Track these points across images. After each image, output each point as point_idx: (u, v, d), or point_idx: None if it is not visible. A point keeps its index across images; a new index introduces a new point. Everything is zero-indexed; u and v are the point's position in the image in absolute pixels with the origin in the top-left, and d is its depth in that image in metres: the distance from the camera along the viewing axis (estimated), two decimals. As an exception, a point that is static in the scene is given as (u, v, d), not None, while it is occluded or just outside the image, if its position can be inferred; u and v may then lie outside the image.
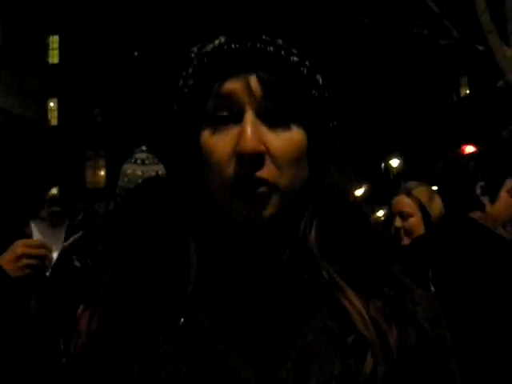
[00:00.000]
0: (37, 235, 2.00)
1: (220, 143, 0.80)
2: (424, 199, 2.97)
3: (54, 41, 33.60)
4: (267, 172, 0.78)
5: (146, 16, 30.45)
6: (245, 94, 0.79)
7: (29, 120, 2.12)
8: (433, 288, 2.13)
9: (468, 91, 28.59)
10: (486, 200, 2.21)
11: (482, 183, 2.20)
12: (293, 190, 0.81)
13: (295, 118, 0.81)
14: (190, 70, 0.84)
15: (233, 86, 0.79)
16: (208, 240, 0.84)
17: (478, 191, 2.21)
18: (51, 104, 33.27)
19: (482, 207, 2.21)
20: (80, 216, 4.09)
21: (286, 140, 0.80)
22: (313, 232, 0.84)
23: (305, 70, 0.81)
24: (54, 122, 32.67)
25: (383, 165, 32.46)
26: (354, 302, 0.80)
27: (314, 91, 0.83)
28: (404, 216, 2.98)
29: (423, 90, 28.67)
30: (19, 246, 1.78)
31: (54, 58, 33.81)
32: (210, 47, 0.82)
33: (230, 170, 0.78)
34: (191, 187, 0.87)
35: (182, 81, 0.86)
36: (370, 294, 0.82)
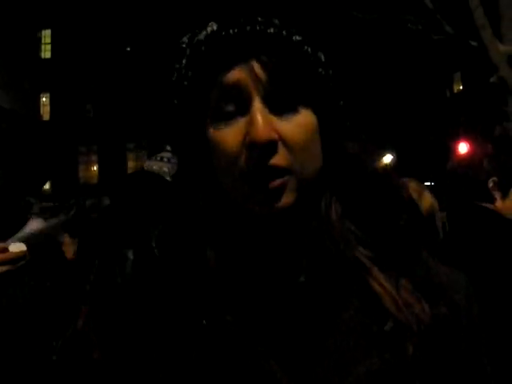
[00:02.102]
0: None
1: (229, 135, 0.77)
2: (415, 195, 3.05)
3: (46, 35, 33.44)
4: (281, 159, 0.75)
5: (139, 11, 30.35)
6: (250, 82, 0.75)
7: (20, 114, 2.11)
8: None
9: (461, 87, 28.66)
10: (497, 195, 2.26)
11: (494, 178, 2.24)
12: (309, 174, 0.78)
13: (303, 100, 0.78)
14: (184, 62, 0.80)
15: (237, 75, 0.76)
16: (224, 236, 0.82)
17: (491, 185, 2.25)
18: (43, 99, 33.16)
19: (492, 201, 2.25)
20: (73, 211, 4.08)
21: (297, 124, 0.76)
22: (334, 215, 0.81)
23: (309, 49, 0.78)
24: (46, 116, 32.56)
25: (376, 160, 32.54)
26: (384, 285, 0.78)
27: (320, 69, 0.79)
28: None
29: (416, 85, 28.73)
30: None
31: (46, 52, 33.67)
32: (203, 35, 0.78)
33: (242, 161, 0.75)
34: (201, 182, 0.84)
35: (176, 73, 0.82)
36: (398, 273, 0.79)
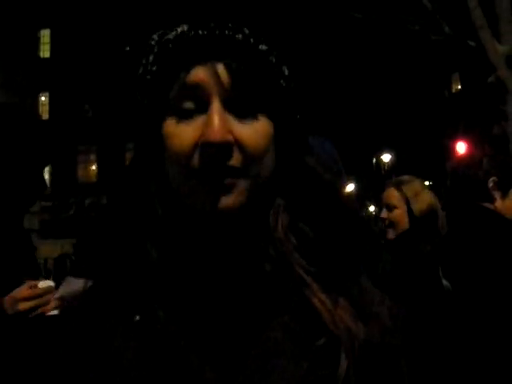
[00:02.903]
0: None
1: (184, 133, 0.77)
2: (410, 194, 3.03)
3: (45, 35, 33.40)
4: (235, 161, 0.76)
5: (138, 11, 30.27)
6: (212, 83, 0.76)
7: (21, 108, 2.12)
8: (445, 282, 2.16)
9: (460, 87, 28.66)
10: (497, 194, 2.26)
11: (494, 178, 2.25)
12: (260, 180, 0.79)
13: (261, 107, 0.78)
14: (151, 58, 0.81)
15: (200, 74, 0.76)
16: (169, 234, 0.81)
17: (491, 185, 2.26)
18: (42, 98, 33.12)
19: (491, 200, 2.26)
20: (72, 210, 4.09)
21: (254, 130, 0.77)
22: (280, 226, 0.81)
23: (273, 59, 0.79)
24: (45, 116, 32.49)
25: (375, 160, 32.53)
26: (323, 300, 0.78)
27: (281, 81, 0.81)
28: (390, 207, 3.07)
29: (415, 85, 28.72)
30: (24, 289, 1.80)
31: (45, 52, 33.63)
32: (172, 34, 0.79)
33: (195, 158, 0.76)
34: (152, 179, 0.84)
35: (142, 68, 0.82)
36: (336, 291, 0.79)
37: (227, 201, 0.76)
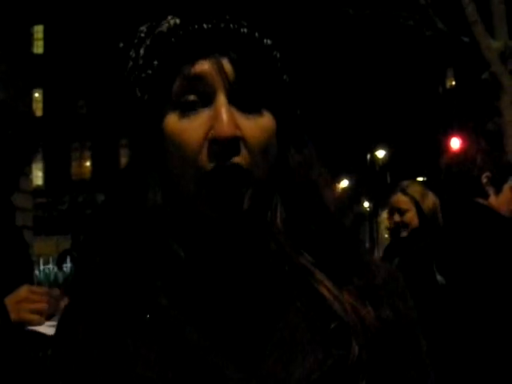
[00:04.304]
0: None
1: (189, 129, 0.75)
2: (417, 196, 3.34)
3: (38, 31, 33.26)
4: (243, 159, 0.75)
5: (132, 7, 30.22)
6: (217, 77, 0.75)
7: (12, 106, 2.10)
8: (439, 277, 2.17)
9: (454, 82, 28.70)
10: (490, 190, 2.28)
11: (488, 174, 2.26)
12: (264, 178, 0.78)
13: (265, 102, 0.78)
14: (142, 51, 0.80)
15: (204, 67, 0.75)
16: (174, 233, 0.80)
17: (484, 181, 2.27)
18: (36, 95, 33.00)
19: (485, 196, 2.27)
20: (65, 207, 4.08)
21: (258, 125, 0.77)
22: (278, 219, 0.81)
23: (278, 54, 0.79)
24: (39, 112, 32.40)
25: (369, 156, 32.54)
26: (330, 289, 0.77)
27: (285, 76, 0.81)
28: (401, 212, 3.38)
29: (409, 81, 28.73)
30: (22, 291, 1.73)
31: (38, 48, 33.49)
32: (164, 27, 0.78)
33: (204, 156, 0.74)
34: (153, 178, 0.81)
35: (132, 62, 0.81)
36: (340, 279, 0.79)
37: (236, 207, 0.75)
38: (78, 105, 33.61)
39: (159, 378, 0.73)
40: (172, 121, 0.77)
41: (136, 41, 0.81)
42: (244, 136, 0.75)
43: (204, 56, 0.76)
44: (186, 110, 0.76)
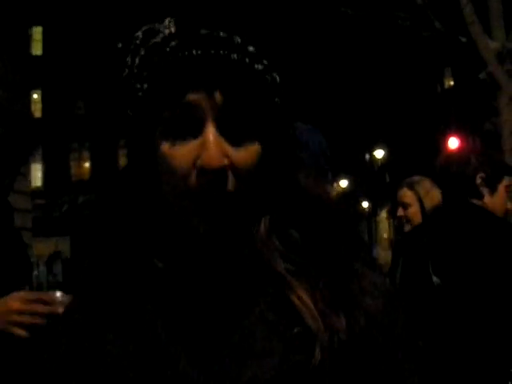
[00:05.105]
0: None
1: (179, 156, 0.77)
2: (422, 192, 3.42)
3: (37, 32, 33.22)
4: (231, 185, 0.76)
5: (130, 8, 30.19)
6: (206, 105, 0.75)
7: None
8: (435, 278, 2.17)
9: (452, 82, 28.69)
10: (485, 191, 2.28)
11: (482, 174, 2.26)
12: (253, 201, 0.80)
13: (256, 129, 0.79)
14: (137, 61, 0.80)
15: (194, 96, 0.75)
16: (158, 242, 0.84)
17: (479, 181, 2.27)
18: (35, 96, 32.96)
19: (480, 196, 2.27)
20: (64, 208, 4.08)
21: (248, 153, 0.78)
22: (262, 229, 0.82)
23: (269, 78, 0.79)
24: (37, 114, 32.36)
25: (368, 156, 32.55)
26: (301, 297, 0.79)
27: (277, 99, 0.80)
28: (405, 205, 3.47)
29: (407, 81, 28.72)
30: (14, 300, 1.64)
31: (37, 49, 33.45)
32: (159, 37, 0.78)
33: (193, 181, 0.76)
34: (145, 192, 0.84)
35: (128, 70, 0.82)
36: (318, 286, 0.80)
37: (221, 225, 0.78)
38: (76, 106, 33.55)
39: (125, 368, 0.78)
40: (163, 146, 0.78)
41: (132, 47, 0.82)
42: (233, 164, 0.76)
43: (194, 84, 0.75)
44: (177, 137, 0.77)
